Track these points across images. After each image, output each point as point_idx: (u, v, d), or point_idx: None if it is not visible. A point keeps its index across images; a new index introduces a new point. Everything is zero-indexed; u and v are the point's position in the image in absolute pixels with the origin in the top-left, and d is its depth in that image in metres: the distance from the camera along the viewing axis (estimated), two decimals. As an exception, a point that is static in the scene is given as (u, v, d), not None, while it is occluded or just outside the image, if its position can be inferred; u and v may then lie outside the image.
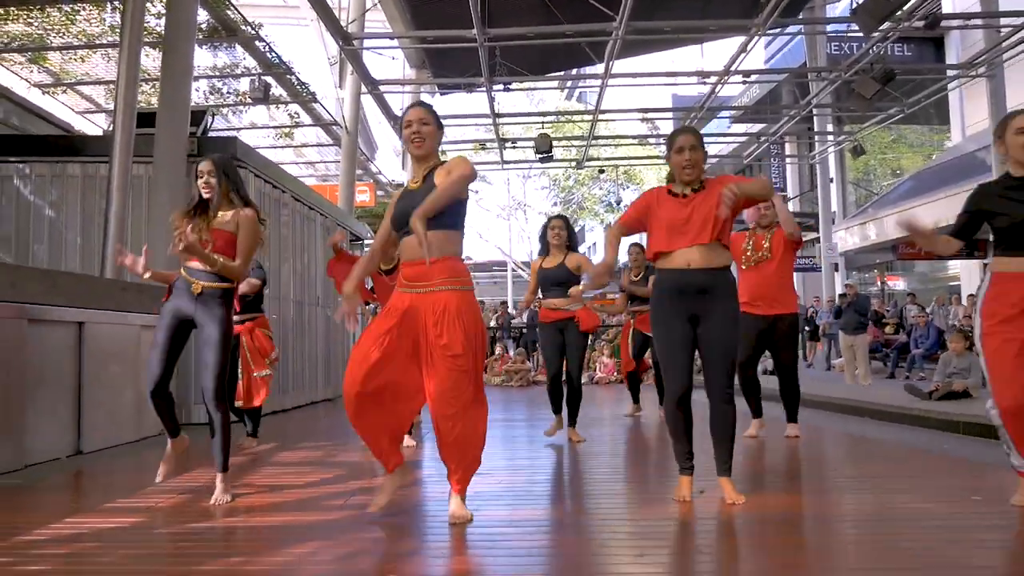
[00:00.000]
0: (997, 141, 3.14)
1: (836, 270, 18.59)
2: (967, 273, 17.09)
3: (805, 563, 2.59)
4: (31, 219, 7.42)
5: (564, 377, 5.43)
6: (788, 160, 22.53)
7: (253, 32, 10.19)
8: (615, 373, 13.12)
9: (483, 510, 3.23)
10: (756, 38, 11.06)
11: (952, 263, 18.17)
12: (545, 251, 5.48)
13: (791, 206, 23.16)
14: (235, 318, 5.15)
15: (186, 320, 3.64)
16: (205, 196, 3.68)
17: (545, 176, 29.14)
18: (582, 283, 5.29)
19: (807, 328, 17.29)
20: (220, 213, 3.66)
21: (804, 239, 22.20)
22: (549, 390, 5.58)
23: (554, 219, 5.53)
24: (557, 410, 5.56)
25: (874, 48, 11.86)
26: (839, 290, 16.11)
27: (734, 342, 3.36)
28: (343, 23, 10.61)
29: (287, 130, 15.40)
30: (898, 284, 20.91)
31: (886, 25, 10.57)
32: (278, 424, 7.15)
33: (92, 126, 12.28)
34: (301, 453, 5.24)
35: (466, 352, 2.96)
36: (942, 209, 12.76)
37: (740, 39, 11.48)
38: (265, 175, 8.01)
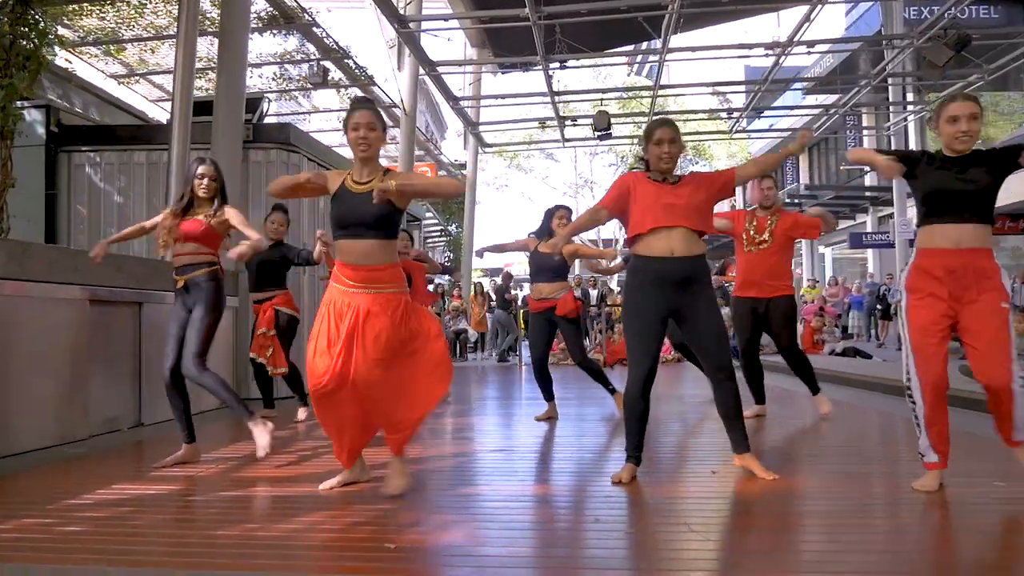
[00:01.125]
0: (931, 123, 3.16)
1: (912, 246, 17.85)
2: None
3: (803, 543, 2.60)
4: (102, 204, 7.88)
5: (550, 362, 5.65)
6: (865, 132, 21.66)
7: (310, 19, 10.45)
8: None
9: (493, 484, 3.34)
10: (819, 7, 10.67)
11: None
12: (544, 236, 5.48)
13: (868, 179, 22.32)
14: (259, 296, 5.72)
15: (188, 316, 4.07)
16: (202, 196, 4.11)
17: (612, 153, 28.86)
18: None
19: (879, 307, 16.73)
20: (204, 210, 4.12)
21: (880, 214, 21.43)
22: (536, 376, 5.62)
23: (561, 208, 5.56)
24: (548, 396, 5.59)
25: (949, 12, 11.27)
26: (914, 267, 15.44)
27: (722, 323, 3.41)
28: (399, 5, 10.75)
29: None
30: (983, 260, 19.92)
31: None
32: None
33: (165, 113, 12.85)
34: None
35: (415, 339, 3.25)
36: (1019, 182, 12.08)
37: (818, 7, 11.04)
38: (318, 159, 8.26)
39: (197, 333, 4.00)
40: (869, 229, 22.34)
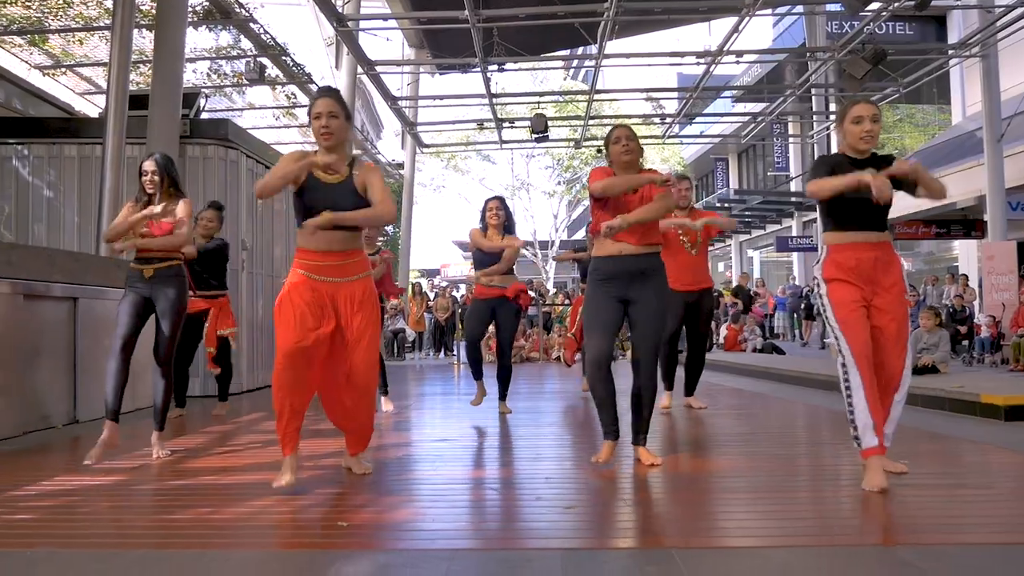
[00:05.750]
0: (836, 126, 3.37)
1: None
2: (965, 252, 17.17)
3: (739, 515, 2.81)
4: (30, 199, 7.65)
5: (496, 349, 5.75)
6: (791, 140, 22.53)
7: (247, 14, 10.34)
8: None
9: (439, 469, 3.47)
10: (747, 18, 11.12)
11: (952, 243, 18.25)
12: (485, 229, 5.66)
13: (794, 185, 23.24)
14: (203, 294, 5.61)
15: (144, 301, 4.09)
16: (149, 192, 4.13)
17: (548, 155, 29.17)
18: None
19: (803, 307, 17.44)
20: (162, 206, 4.07)
21: (805, 219, 22.30)
22: (468, 355, 5.81)
23: (491, 200, 5.72)
24: (478, 375, 5.75)
25: (868, 27, 11.90)
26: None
27: (662, 326, 3.66)
28: (337, 4, 10.73)
29: (287, 110, 15.58)
30: (897, 263, 20.95)
31: (876, 5, 10.63)
32: (262, 398, 7.41)
33: (92, 107, 12.50)
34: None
35: (376, 329, 3.33)
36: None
37: (746, 19, 11.51)
38: (257, 156, 8.22)
39: (169, 324, 4.09)
40: (794, 233, 23.26)
